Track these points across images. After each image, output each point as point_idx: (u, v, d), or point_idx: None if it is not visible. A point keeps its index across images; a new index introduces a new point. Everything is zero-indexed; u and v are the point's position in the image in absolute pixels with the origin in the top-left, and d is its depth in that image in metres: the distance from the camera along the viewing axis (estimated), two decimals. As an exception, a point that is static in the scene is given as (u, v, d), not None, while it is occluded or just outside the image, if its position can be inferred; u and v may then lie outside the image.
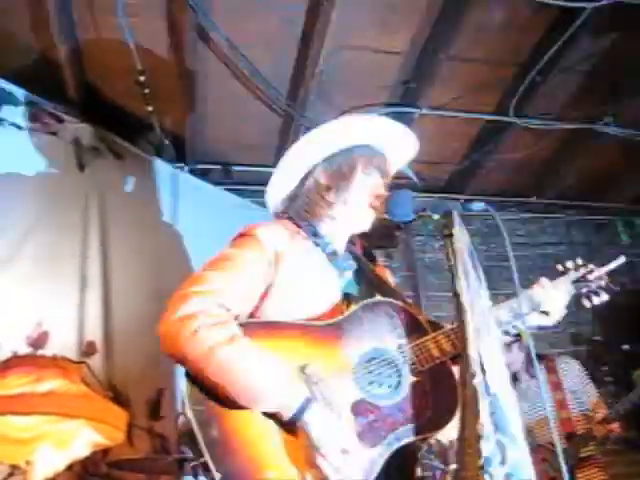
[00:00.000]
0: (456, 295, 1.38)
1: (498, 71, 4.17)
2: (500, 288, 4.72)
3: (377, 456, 1.47)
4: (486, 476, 1.26)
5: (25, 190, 3.68)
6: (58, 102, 3.94)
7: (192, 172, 4.67)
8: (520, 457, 1.35)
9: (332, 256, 1.80)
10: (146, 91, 3.89)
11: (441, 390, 1.57)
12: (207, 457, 1.41)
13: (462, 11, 3.57)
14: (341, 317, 1.65)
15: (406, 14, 3.70)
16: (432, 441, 3.69)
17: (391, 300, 1.71)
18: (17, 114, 3.77)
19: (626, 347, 5.06)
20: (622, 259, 2.18)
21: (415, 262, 5.22)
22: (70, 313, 3.60)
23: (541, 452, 3.51)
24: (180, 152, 4.55)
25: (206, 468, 1.43)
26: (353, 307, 1.69)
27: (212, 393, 1.52)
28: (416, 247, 5.27)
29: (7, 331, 3.29)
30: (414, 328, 1.64)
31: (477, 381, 1.28)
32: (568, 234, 5.73)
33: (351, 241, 1.91)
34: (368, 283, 1.81)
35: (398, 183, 1.93)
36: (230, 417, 1.49)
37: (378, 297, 1.73)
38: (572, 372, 3.87)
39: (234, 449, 1.45)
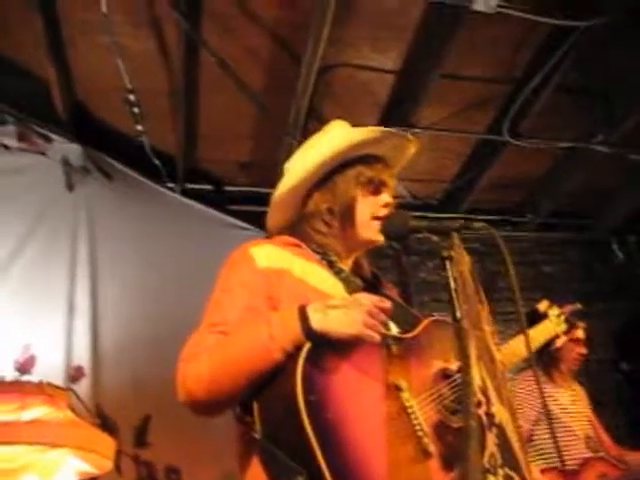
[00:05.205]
0: (457, 321, 1.31)
1: (491, 89, 4.16)
2: (496, 308, 4.73)
3: None
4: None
5: (13, 210, 3.62)
6: (47, 122, 3.89)
7: (184, 193, 4.58)
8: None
9: (338, 272, 1.70)
10: (136, 110, 3.86)
11: None
12: (324, 469, 1.20)
13: (455, 29, 3.55)
14: (415, 331, 1.57)
15: (398, 32, 3.68)
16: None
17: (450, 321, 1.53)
18: (5, 133, 3.73)
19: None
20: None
21: (409, 282, 5.16)
22: (58, 337, 3.53)
23: (599, 465, 3.10)
24: (171, 172, 4.49)
25: None
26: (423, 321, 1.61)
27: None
28: (410, 267, 5.21)
29: (-6, 355, 3.23)
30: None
31: (482, 410, 1.23)
32: (563, 253, 5.70)
33: (356, 263, 1.83)
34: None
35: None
36: (355, 422, 1.31)
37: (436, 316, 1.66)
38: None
39: (357, 459, 1.26)
